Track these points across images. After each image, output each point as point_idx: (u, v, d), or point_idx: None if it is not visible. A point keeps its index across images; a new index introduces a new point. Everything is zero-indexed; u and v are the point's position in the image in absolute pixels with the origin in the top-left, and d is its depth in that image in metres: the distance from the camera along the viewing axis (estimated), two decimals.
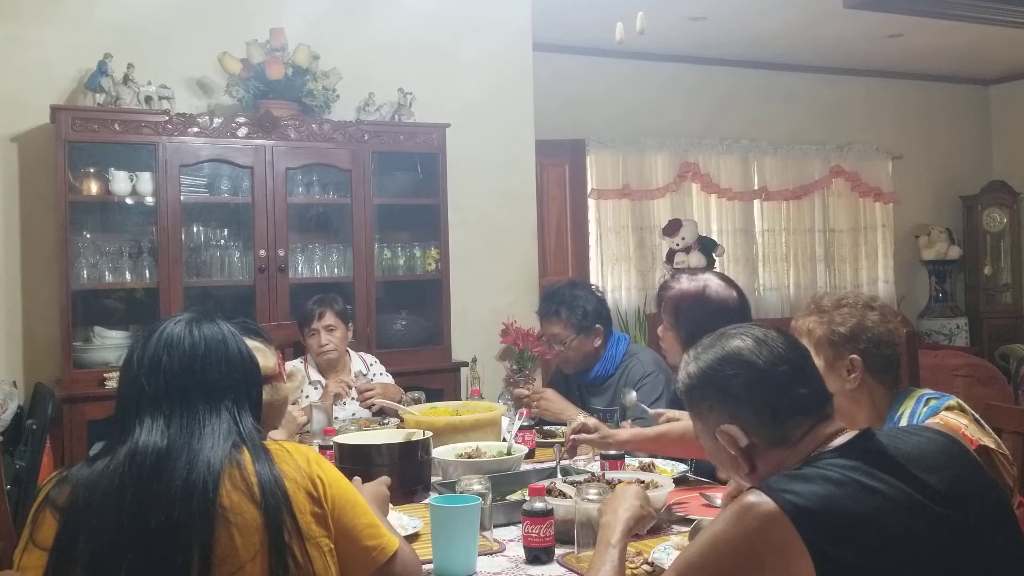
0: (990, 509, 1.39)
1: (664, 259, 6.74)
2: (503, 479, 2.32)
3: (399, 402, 3.28)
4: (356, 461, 2.26)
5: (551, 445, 2.84)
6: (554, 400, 3.22)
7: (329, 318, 3.56)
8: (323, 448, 2.59)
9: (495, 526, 2.05)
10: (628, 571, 1.75)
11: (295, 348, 3.75)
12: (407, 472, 2.30)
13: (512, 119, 5.20)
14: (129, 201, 4.19)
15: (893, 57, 7.32)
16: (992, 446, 1.83)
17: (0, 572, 1.43)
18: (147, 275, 4.18)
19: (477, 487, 1.99)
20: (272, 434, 1.98)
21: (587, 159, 6.74)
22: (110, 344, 4.14)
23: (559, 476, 2.33)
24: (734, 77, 7.28)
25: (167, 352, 1.50)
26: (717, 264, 6.84)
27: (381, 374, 3.74)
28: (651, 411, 2.78)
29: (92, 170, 4.14)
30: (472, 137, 4.94)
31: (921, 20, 6.08)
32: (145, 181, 4.15)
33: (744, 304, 2.67)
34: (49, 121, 4.13)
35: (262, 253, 4.29)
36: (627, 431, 2.51)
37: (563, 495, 2.04)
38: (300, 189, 4.55)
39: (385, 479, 1.94)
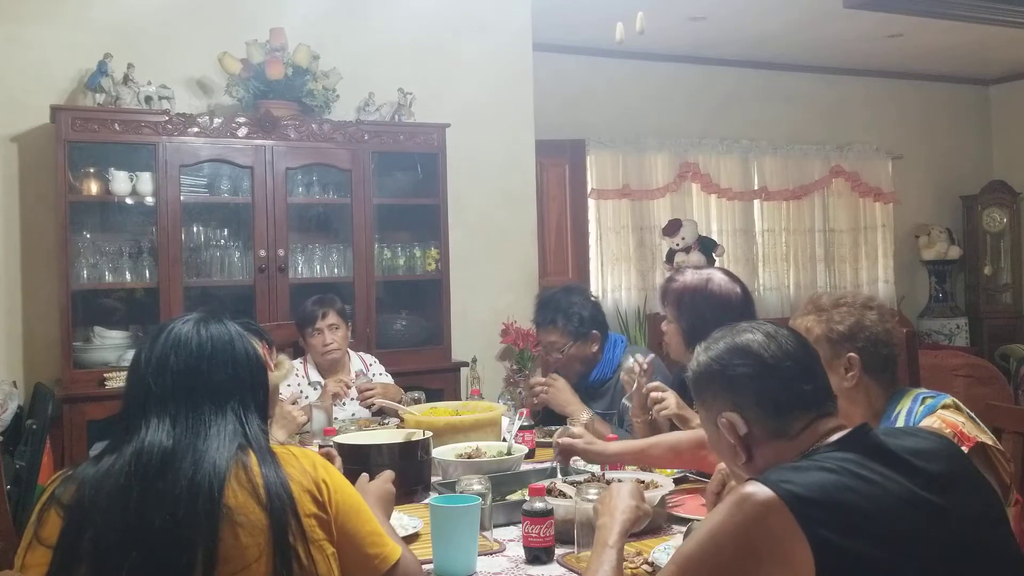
0: (984, 508, 1.40)
1: (664, 259, 6.74)
2: (503, 479, 2.32)
3: (399, 402, 3.28)
4: (356, 461, 2.26)
5: (551, 445, 2.84)
6: (563, 391, 3.20)
7: (332, 317, 3.57)
8: (323, 448, 2.59)
9: (495, 526, 2.05)
10: (628, 571, 1.75)
11: (295, 348, 3.75)
12: (407, 472, 2.30)
13: (512, 119, 5.20)
14: (129, 201, 4.19)
15: (893, 57, 7.32)
16: (989, 443, 1.84)
17: (1, 572, 1.43)
18: (147, 275, 4.18)
19: (477, 487, 1.99)
20: (271, 434, 1.97)
21: (587, 159, 6.74)
22: (110, 344, 4.14)
23: (559, 476, 2.33)
24: (734, 77, 7.28)
25: (174, 352, 1.50)
26: (717, 264, 6.84)
27: (381, 374, 3.74)
28: (648, 384, 2.73)
29: (92, 170, 4.14)
30: (472, 137, 4.94)
31: (921, 20, 6.08)
32: (145, 181, 4.15)
33: (748, 299, 2.67)
34: (49, 121, 4.13)
35: (262, 253, 4.29)
36: (617, 444, 2.48)
37: (563, 495, 2.04)
38: (300, 189, 4.55)
39: (389, 474, 1.93)
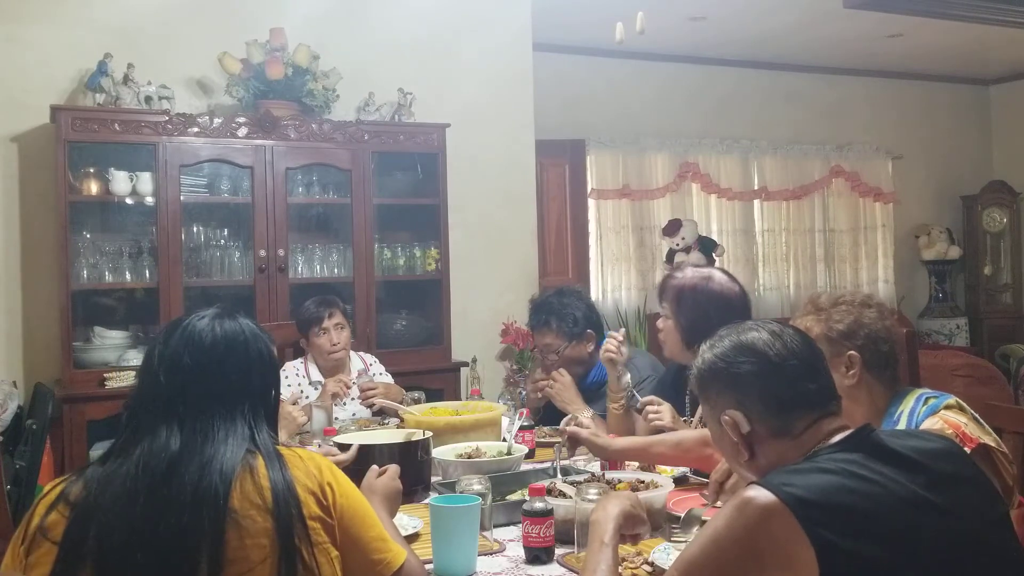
0: (985, 509, 1.40)
1: (664, 259, 6.74)
2: (503, 479, 2.32)
3: (400, 402, 3.28)
4: (356, 461, 2.26)
5: (551, 445, 2.84)
6: (567, 388, 3.20)
7: (338, 317, 3.58)
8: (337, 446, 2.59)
9: (495, 526, 2.04)
10: (628, 571, 1.75)
11: (295, 348, 3.75)
12: (407, 472, 2.29)
13: (512, 119, 5.20)
14: (129, 201, 4.19)
15: (893, 57, 7.32)
16: (992, 444, 1.83)
17: (3, 572, 1.42)
18: (147, 275, 4.19)
19: (477, 487, 1.99)
20: None
21: (587, 159, 6.74)
22: (110, 344, 4.14)
23: (559, 476, 2.33)
24: (734, 77, 7.28)
25: (188, 351, 1.50)
26: (717, 264, 6.84)
27: (381, 374, 3.74)
28: (640, 398, 2.76)
29: (92, 170, 4.14)
30: (472, 137, 4.94)
31: (921, 20, 6.09)
32: (145, 181, 4.15)
33: (746, 300, 2.67)
34: (49, 121, 4.13)
35: (262, 253, 4.29)
36: (622, 440, 2.48)
37: (563, 495, 2.04)
38: (300, 189, 4.55)
39: (396, 469, 1.92)
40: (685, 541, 1.81)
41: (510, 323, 5.08)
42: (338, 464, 1.85)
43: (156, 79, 4.23)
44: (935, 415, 1.86)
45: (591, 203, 6.84)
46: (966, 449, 1.71)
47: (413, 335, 4.73)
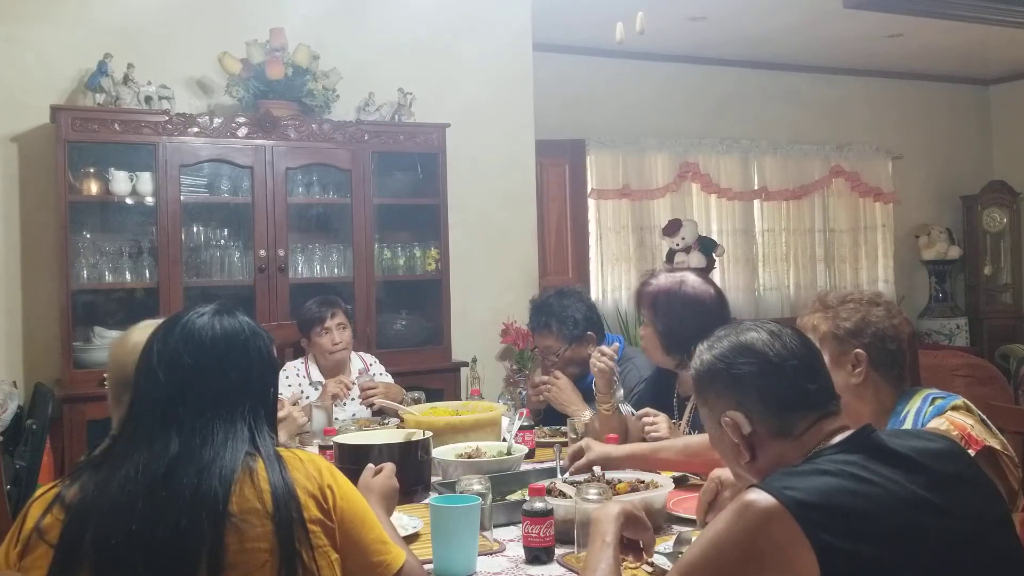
0: (987, 510, 1.40)
1: (664, 259, 6.74)
2: (503, 479, 2.32)
3: (400, 402, 3.28)
4: (356, 461, 2.26)
5: (551, 445, 2.84)
6: (565, 390, 3.20)
7: (340, 317, 3.58)
8: (323, 448, 2.59)
9: (495, 526, 2.04)
10: (628, 571, 1.75)
11: (295, 348, 3.74)
12: (407, 472, 2.29)
13: (512, 119, 5.20)
14: (129, 201, 4.19)
15: (893, 57, 7.32)
16: (998, 447, 1.82)
17: (2, 572, 1.41)
18: (147, 275, 4.19)
19: (477, 487, 1.98)
20: None
21: (587, 159, 6.74)
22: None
23: (559, 476, 2.33)
24: (734, 77, 7.28)
25: (187, 350, 1.47)
26: (717, 264, 6.84)
27: (381, 374, 3.74)
28: (635, 412, 2.77)
29: (92, 170, 4.14)
30: (472, 137, 4.94)
31: (921, 20, 6.09)
32: (145, 181, 4.15)
33: (722, 302, 2.67)
34: (49, 121, 4.13)
35: (262, 253, 4.29)
36: (625, 447, 2.46)
37: (563, 495, 2.04)
38: (300, 189, 4.55)
39: (391, 467, 1.93)
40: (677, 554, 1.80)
41: (510, 323, 5.08)
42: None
43: (156, 79, 4.23)
44: (941, 416, 1.85)
45: (591, 203, 6.84)
46: (970, 451, 1.70)
47: (413, 335, 4.73)
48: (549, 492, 2.04)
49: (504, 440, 2.69)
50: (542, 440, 3.01)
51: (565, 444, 2.78)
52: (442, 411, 2.99)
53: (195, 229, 4.32)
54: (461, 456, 2.56)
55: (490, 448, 2.62)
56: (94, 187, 4.15)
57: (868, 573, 1.26)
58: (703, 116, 7.16)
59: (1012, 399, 4.91)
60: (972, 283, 8.15)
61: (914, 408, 1.90)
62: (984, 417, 1.90)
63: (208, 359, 1.48)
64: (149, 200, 4.17)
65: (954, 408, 1.88)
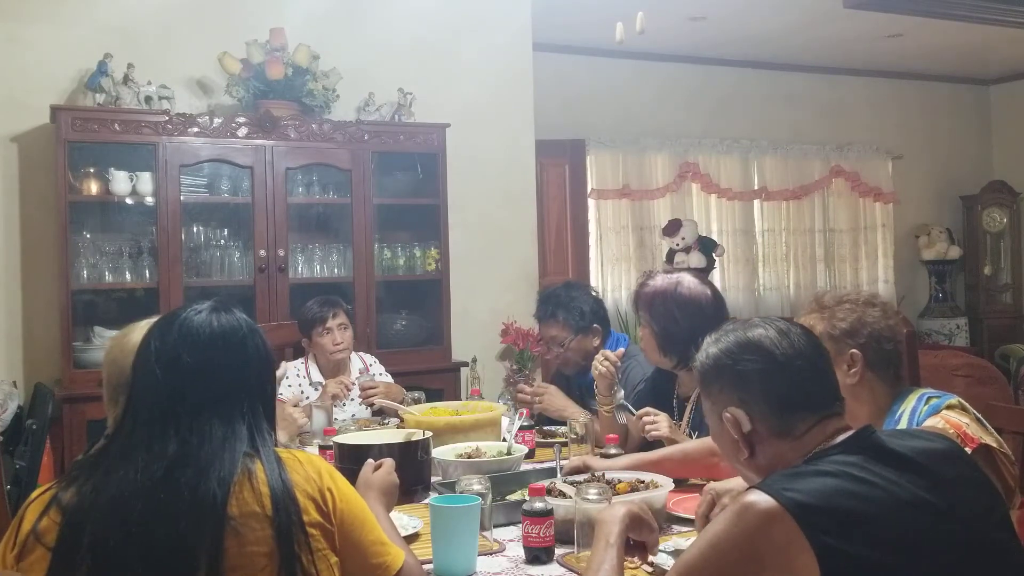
0: (987, 510, 1.40)
1: (664, 259, 6.74)
2: (503, 479, 2.32)
3: (400, 402, 3.28)
4: (356, 461, 2.25)
5: (551, 445, 2.84)
6: (556, 397, 3.22)
7: (342, 317, 3.58)
8: (323, 448, 2.59)
9: (495, 526, 2.04)
10: (628, 571, 1.75)
11: (295, 349, 3.74)
12: (407, 472, 2.29)
13: (512, 119, 5.20)
14: (129, 201, 4.19)
15: (893, 57, 7.32)
16: (994, 445, 1.83)
17: (2, 572, 1.41)
18: (147, 275, 4.19)
19: (477, 487, 1.98)
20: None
21: (587, 159, 6.74)
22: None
23: (559, 476, 2.32)
24: (734, 77, 7.28)
25: (185, 349, 1.46)
26: (717, 264, 6.84)
27: (381, 374, 3.74)
28: (635, 411, 2.77)
29: (92, 170, 4.14)
30: (472, 137, 4.94)
31: (921, 20, 6.08)
32: (145, 181, 4.15)
33: (718, 303, 2.68)
34: (49, 121, 4.13)
35: (262, 253, 4.29)
36: (626, 458, 2.46)
37: (563, 495, 2.04)
38: (300, 189, 4.55)
39: (391, 463, 1.93)
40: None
41: (510, 323, 5.08)
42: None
43: (156, 79, 4.23)
44: (937, 415, 1.86)
45: (591, 203, 6.84)
46: (967, 449, 1.70)
47: (413, 335, 4.73)
48: (549, 492, 2.04)
49: (504, 440, 2.69)
50: (542, 440, 3.01)
51: (565, 444, 2.79)
52: (442, 411, 2.99)
53: (195, 229, 4.32)
54: (461, 456, 2.56)
55: (490, 448, 2.62)
56: (94, 187, 4.15)
57: (868, 574, 1.26)
58: (703, 116, 7.16)
59: (1012, 399, 4.92)
60: (972, 283, 8.15)
61: (909, 408, 1.91)
62: (979, 416, 1.90)
63: (206, 357, 1.46)
64: (149, 200, 4.17)
65: (949, 407, 1.88)
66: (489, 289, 5.09)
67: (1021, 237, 8.10)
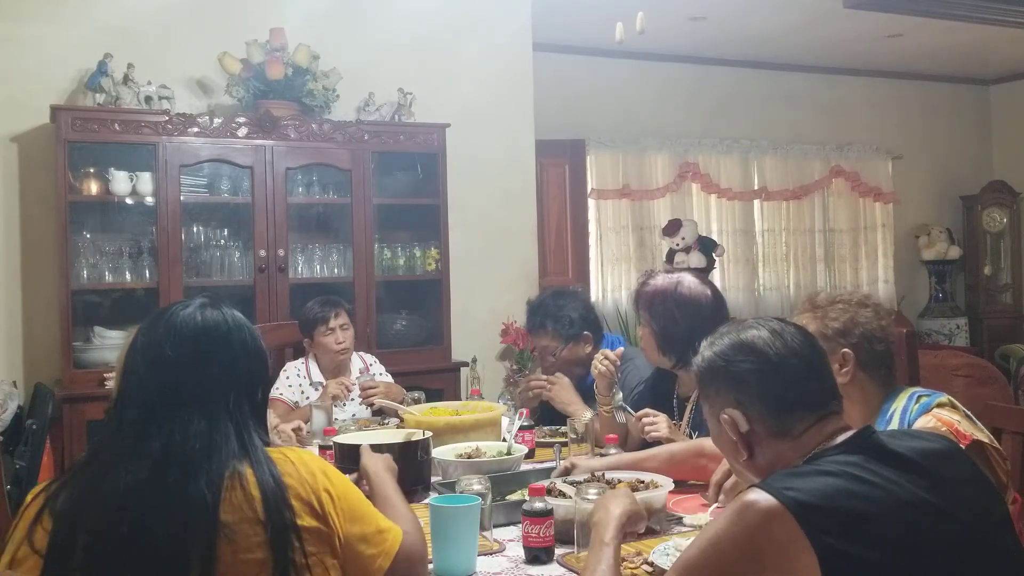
0: (988, 510, 1.40)
1: (664, 259, 6.74)
2: (503, 479, 2.32)
3: (401, 402, 3.28)
4: (356, 461, 2.25)
5: (551, 445, 2.84)
6: (565, 390, 3.20)
7: (344, 317, 3.58)
8: (323, 448, 2.59)
9: (495, 526, 2.04)
10: (628, 571, 1.75)
11: (295, 349, 3.74)
12: (407, 472, 2.29)
13: (512, 119, 5.20)
14: (129, 201, 4.19)
15: (893, 57, 7.32)
16: (985, 441, 1.85)
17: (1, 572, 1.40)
18: (147, 275, 4.19)
19: (477, 487, 1.98)
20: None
21: (587, 159, 6.74)
22: (110, 344, 4.14)
23: (556, 477, 2.32)
24: (734, 77, 7.28)
25: (169, 344, 1.44)
26: (717, 264, 6.84)
27: (381, 374, 3.73)
28: (634, 413, 2.77)
29: (92, 170, 4.14)
30: (472, 137, 4.94)
31: (921, 20, 6.08)
32: (145, 181, 4.15)
33: (718, 303, 2.68)
34: (49, 121, 4.13)
35: (262, 253, 4.29)
36: (611, 459, 2.44)
37: (563, 495, 2.04)
38: (300, 189, 4.55)
39: (387, 456, 1.94)
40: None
41: (510, 323, 5.08)
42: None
43: (156, 79, 4.23)
44: (928, 413, 1.87)
45: (591, 203, 6.84)
46: (961, 446, 1.71)
47: (413, 335, 4.73)
48: (549, 492, 2.04)
49: (504, 440, 2.69)
50: (542, 440, 3.01)
51: (565, 444, 2.79)
52: (442, 411, 2.99)
53: (195, 229, 4.32)
54: (461, 456, 2.56)
55: (490, 448, 2.62)
56: (94, 187, 4.15)
57: (869, 574, 1.26)
58: (703, 116, 7.16)
59: (1012, 399, 4.91)
60: (972, 283, 8.15)
61: (900, 406, 1.92)
62: (969, 413, 1.91)
63: (188, 352, 1.44)
64: (149, 200, 4.17)
65: (939, 405, 1.89)
66: (489, 289, 5.09)
67: (1021, 237, 8.10)
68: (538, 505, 1.88)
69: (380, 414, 3.44)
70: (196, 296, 1.55)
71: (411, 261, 4.74)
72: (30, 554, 1.35)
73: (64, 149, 3.98)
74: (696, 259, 6.44)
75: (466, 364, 4.83)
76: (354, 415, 3.46)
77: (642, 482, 2.15)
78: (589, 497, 1.85)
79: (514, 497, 2.24)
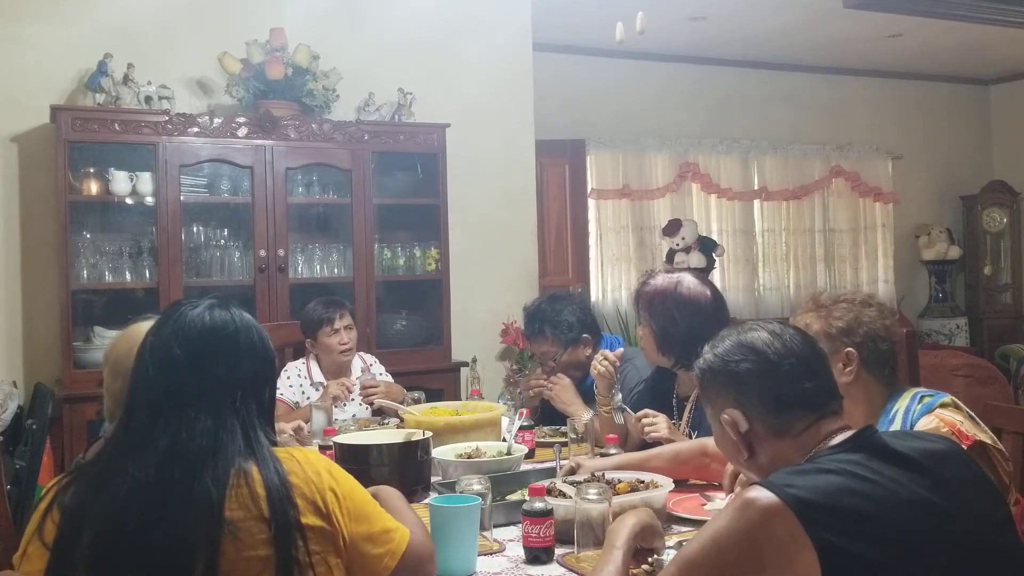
0: (990, 511, 1.40)
1: (664, 259, 6.74)
2: (503, 479, 2.32)
3: (401, 402, 3.28)
4: (356, 461, 2.26)
5: (551, 445, 2.84)
6: (567, 390, 3.21)
7: (347, 317, 3.58)
8: (323, 448, 2.59)
9: (495, 526, 2.04)
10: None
11: (295, 349, 3.74)
12: (407, 472, 2.30)
13: (512, 119, 5.20)
14: (129, 201, 4.19)
15: (893, 57, 7.32)
16: (988, 441, 1.84)
17: (1, 572, 1.41)
18: (147, 275, 4.19)
19: (477, 487, 1.98)
20: None
21: (587, 159, 6.74)
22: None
23: (559, 476, 2.32)
24: (734, 77, 7.28)
25: (177, 343, 1.45)
26: (717, 264, 6.84)
27: (381, 374, 3.74)
28: (633, 413, 2.77)
29: (92, 170, 4.14)
30: (472, 137, 4.94)
31: (921, 20, 6.09)
32: (145, 181, 4.15)
33: (718, 303, 2.68)
34: (49, 121, 4.13)
35: (262, 253, 4.29)
36: (615, 458, 2.44)
37: (563, 495, 2.04)
38: (300, 189, 4.55)
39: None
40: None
41: (510, 323, 5.08)
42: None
43: (156, 79, 4.23)
44: (930, 413, 1.87)
45: (591, 203, 6.84)
46: (963, 447, 1.71)
47: (413, 335, 4.73)
48: (549, 492, 2.04)
49: (504, 440, 2.69)
50: (542, 440, 3.01)
51: (565, 444, 2.79)
52: (442, 411, 2.99)
53: (195, 229, 4.32)
54: (461, 456, 2.56)
55: (490, 448, 2.62)
56: (94, 187, 4.15)
57: (869, 574, 1.26)
58: (703, 116, 7.16)
59: (1012, 399, 4.91)
60: (972, 283, 8.15)
61: (903, 407, 1.92)
62: (972, 413, 1.91)
63: (196, 350, 1.45)
64: (149, 200, 4.17)
65: (942, 405, 1.89)
66: (489, 289, 5.09)
67: (1021, 237, 8.10)
68: (538, 505, 1.88)
69: (380, 414, 3.44)
70: (206, 297, 1.56)
71: (411, 261, 4.74)
72: (40, 547, 1.36)
73: (64, 149, 3.98)
74: (696, 259, 6.44)
75: (466, 364, 4.83)
76: (354, 415, 3.46)
77: (642, 482, 2.15)
78: (589, 497, 1.85)
79: (514, 497, 2.24)
